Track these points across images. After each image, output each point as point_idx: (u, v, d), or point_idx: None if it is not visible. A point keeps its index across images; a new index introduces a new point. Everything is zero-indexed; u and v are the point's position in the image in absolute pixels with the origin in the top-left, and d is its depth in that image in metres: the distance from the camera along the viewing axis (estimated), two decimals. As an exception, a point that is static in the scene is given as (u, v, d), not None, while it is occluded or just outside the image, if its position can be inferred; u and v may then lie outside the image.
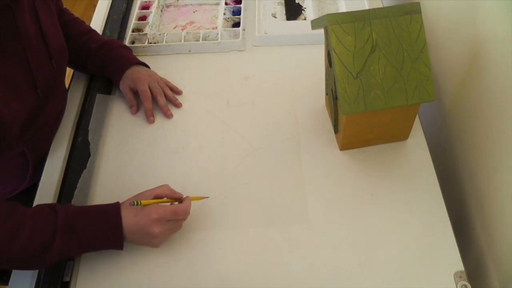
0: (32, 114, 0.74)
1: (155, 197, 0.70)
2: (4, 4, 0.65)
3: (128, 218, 0.67)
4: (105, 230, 0.66)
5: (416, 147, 0.83)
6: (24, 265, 0.67)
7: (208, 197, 0.77)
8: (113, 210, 0.68)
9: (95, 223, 0.66)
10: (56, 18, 0.81)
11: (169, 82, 0.94)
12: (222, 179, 0.80)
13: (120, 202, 0.69)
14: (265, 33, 1.02)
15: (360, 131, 0.78)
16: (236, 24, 1.05)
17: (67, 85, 0.92)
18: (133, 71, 0.90)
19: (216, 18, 1.09)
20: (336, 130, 0.83)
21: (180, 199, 0.72)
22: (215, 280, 0.69)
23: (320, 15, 1.00)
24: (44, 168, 0.82)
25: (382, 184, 0.78)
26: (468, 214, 0.80)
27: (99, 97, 0.91)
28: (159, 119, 0.89)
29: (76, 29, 0.92)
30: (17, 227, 0.63)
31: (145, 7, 1.10)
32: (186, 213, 0.70)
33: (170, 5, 1.13)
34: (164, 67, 0.97)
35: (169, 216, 0.68)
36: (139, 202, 0.66)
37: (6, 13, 0.66)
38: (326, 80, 0.83)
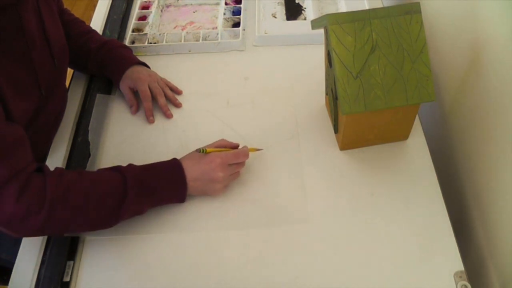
0: (33, 113, 0.74)
1: (216, 147, 0.76)
2: (10, 3, 0.65)
3: (189, 167, 0.72)
4: (171, 181, 0.72)
5: (416, 147, 0.83)
6: (98, 223, 0.69)
7: (262, 149, 0.82)
8: (175, 163, 0.73)
9: (161, 176, 0.71)
10: (58, 17, 0.81)
11: (169, 82, 0.94)
12: (222, 179, 0.80)
13: None
14: (265, 33, 1.02)
15: (360, 131, 0.78)
16: (236, 24, 1.05)
17: (67, 85, 0.92)
18: (133, 71, 0.90)
19: (216, 18, 1.09)
20: (336, 130, 0.83)
21: (238, 148, 0.78)
22: (215, 280, 0.69)
23: (320, 15, 1.00)
24: (44, 168, 0.82)
25: (382, 184, 0.78)
26: (468, 214, 0.80)
27: (99, 97, 0.91)
28: (159, 119, 0.89)
29: (76, 29, 0.92)
30: (90, 186, 0.66)
31: (145, 7, 1.10)
32: (245, 155, 0.76)
33: (170, 5, 1.13)
34: (164, 67, 0.97)
35: (231, 158, 0.74)
36: (204, 150, 0.73)
37: (11, 13, 0.66)
38: (326, 80, 0.83)
